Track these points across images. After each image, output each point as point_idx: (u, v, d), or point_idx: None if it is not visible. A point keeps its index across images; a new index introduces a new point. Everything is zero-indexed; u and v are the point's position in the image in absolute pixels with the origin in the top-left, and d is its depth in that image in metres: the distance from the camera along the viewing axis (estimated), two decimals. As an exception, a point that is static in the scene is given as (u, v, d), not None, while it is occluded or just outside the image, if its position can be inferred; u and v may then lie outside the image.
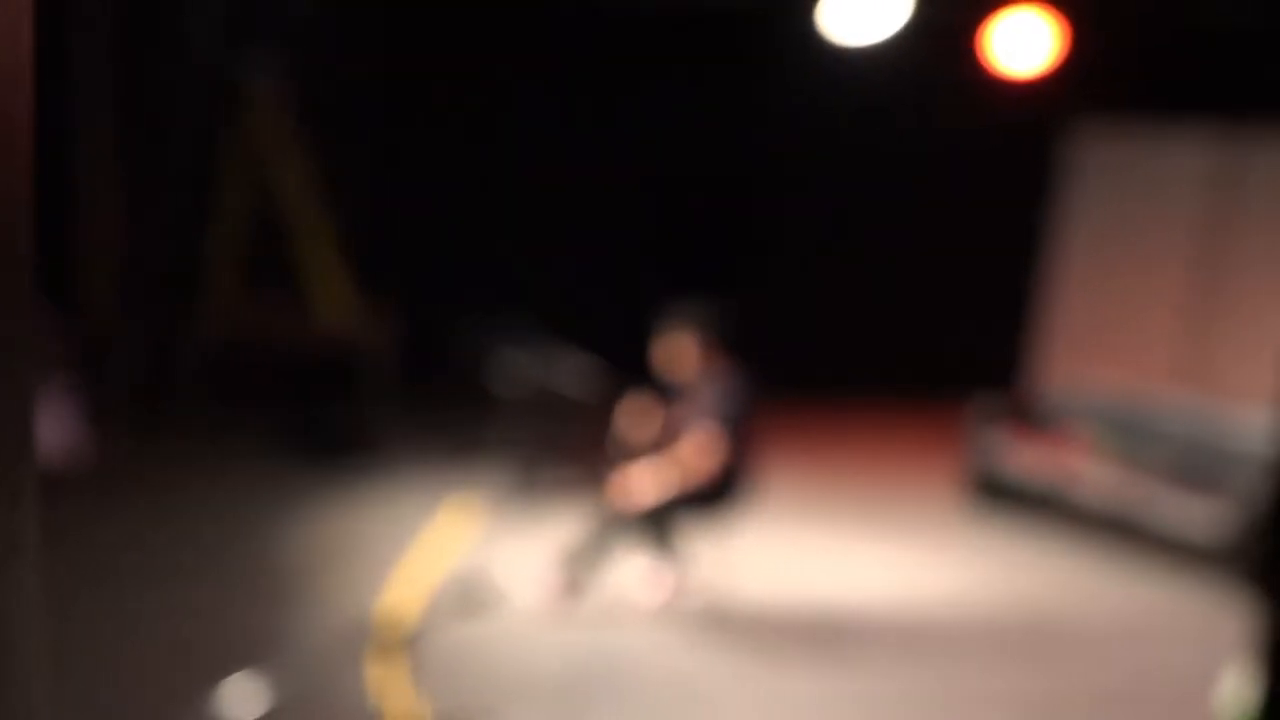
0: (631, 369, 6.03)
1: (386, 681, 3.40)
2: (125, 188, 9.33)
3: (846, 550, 7.21)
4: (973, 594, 6.61)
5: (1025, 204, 10.41)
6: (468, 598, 3.50)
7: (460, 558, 6.70)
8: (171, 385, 9.44)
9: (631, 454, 5.94)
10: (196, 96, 9.22)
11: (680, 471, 5.68)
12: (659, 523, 5.80)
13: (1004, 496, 8.00)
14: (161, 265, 9.52)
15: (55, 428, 7.84)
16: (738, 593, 6.15)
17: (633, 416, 5.92)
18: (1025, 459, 7.73)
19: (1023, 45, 9.07)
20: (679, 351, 5.84)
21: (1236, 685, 2.49)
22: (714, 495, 5.80)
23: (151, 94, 9.28)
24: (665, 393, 6.04)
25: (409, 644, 5.07)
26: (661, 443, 5.87)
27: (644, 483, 5.74)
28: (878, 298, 11.05)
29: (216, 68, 9.21)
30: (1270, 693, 2.40)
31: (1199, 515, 6.86)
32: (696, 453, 5.65)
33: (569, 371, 8.19)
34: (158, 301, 9.48)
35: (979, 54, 8.98)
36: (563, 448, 7.98)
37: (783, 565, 6.86)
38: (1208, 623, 6.29)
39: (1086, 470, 7.46)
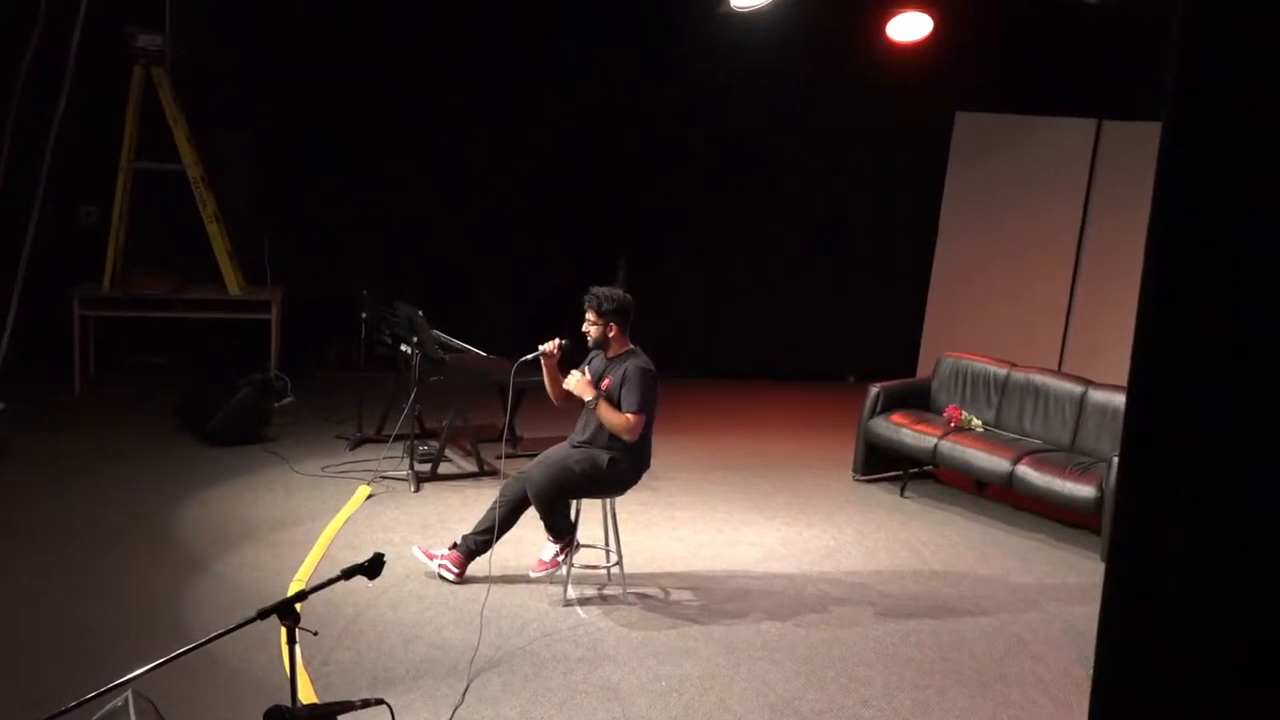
0: (521, 350, 6.16)
1: (289, 653, 3.49)
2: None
3: (736, 516, 7.44)
4: (853, 557, 6.88)
5: (927, 197, 10.73)
6: (368, 571, 3.59)
7: (359, 532, 6.77)
8: (54, 352, 9.28)
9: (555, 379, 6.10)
10: (77, 62, 9.03)
11: (610, 419, 5.87)
12: (556, 494, 5.94)
13: (889, 471, 8.33)
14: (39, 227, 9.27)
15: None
16: (632, 558, 6.32)
17: (550, 351, 6.03)
18: (912, 437, 8.01)
19: (906, 25, 9.51)
20: (590, 329, 6.01)
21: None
22: (616, 471, 5.98)
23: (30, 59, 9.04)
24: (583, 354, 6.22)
25: (308, 616, 5.16)
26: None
27: (584, 388, 5.92)
28: (783, 284, 11.25)
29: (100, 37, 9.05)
30: (1106, 654, 2.65)
31: (1071, 491, 7.20)
32: (626, 426, 5.84)
33: (461, 354, 8.26)
34: (36, 265, 9.28)
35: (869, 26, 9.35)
36: (456, 425, 8.05)
37: (676, 530, 7.08)
38: (1086, 584, 6.67)
39: (967, 447, 7.76)
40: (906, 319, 10.89)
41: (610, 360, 6.02)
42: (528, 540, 6.31)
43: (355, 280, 8.70)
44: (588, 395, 5.94)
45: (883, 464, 8.36)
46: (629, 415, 5.85)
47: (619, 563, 6.18)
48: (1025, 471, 7.43)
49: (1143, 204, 2.66)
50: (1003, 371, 8.29)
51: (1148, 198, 2.48)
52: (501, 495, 6.08)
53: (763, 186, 10.98)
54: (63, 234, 9.54)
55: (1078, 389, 7.88)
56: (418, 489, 7.58)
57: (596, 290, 6.01)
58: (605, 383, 5.97)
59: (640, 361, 5.94)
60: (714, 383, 10.92)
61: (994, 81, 10.25)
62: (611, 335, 5.99)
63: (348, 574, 3.53)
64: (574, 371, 6.06)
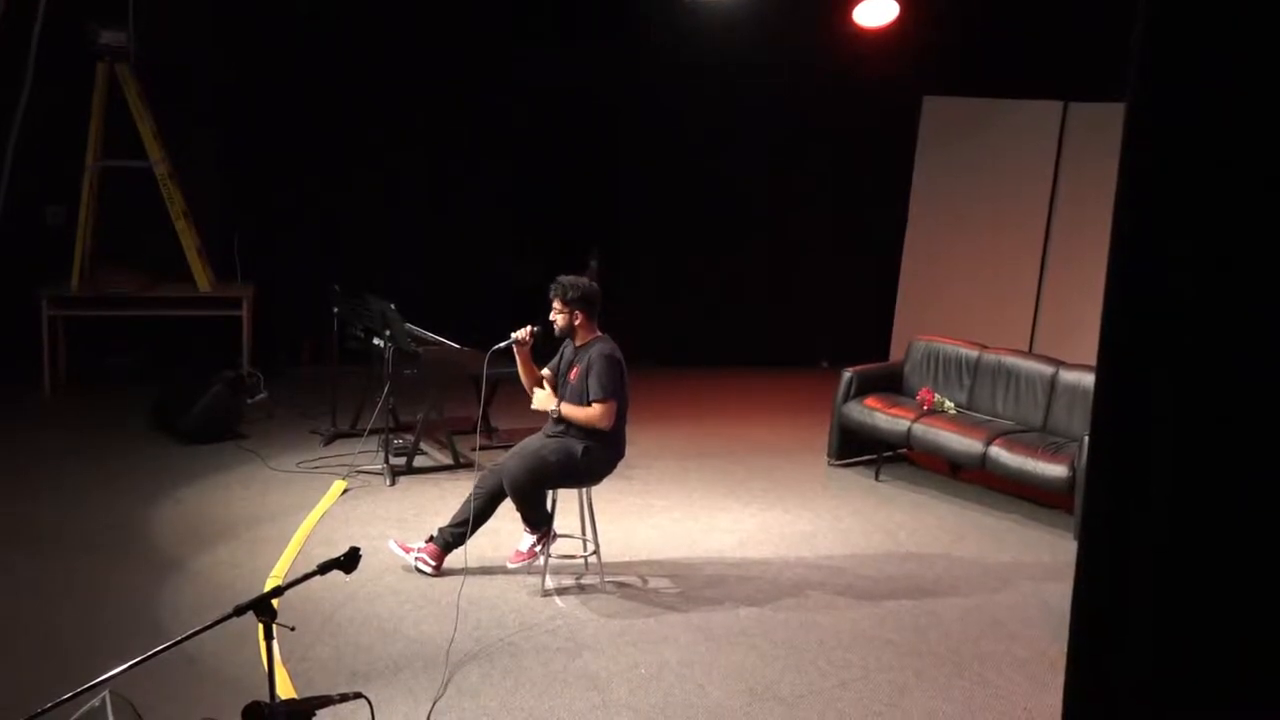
0: (494, 342, 6.14)
1: (266, 650, 3.48)
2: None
3: (712, 503, 7.47)
4: (829, 541, 6.92)
5: (896, 181, 10.73)
6: (345, 566, 3.59)
7: (335, 528, 6.75)
8: (23, 354, 9.20)
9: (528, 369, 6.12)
10: (39, 60, 8.94)
11: (577, 417, 5.90)
12: (532, 485, 5.94)
13: (864, 455, 8.36)
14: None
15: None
16: (609, 547, 6.34)
17: (522, 338, 6.03)
18: (886, 421, 8.04)
19: (873, 11, 9.54)
20: (556, 318, 6.01)
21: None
22: (590, 460, 5.98)
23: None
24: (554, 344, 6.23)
25: (285, 612, 5.14)
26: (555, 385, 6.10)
27: (546, 401, 5.98)
28: (756, 270, 11.24)
29: (62, 35, 8.96)
30: (1080, 632, 2.68)
31: (1044, 472, 7.26)
32: (596, 418, 5.87)
33: (434, 347, 8.23)
34: (2, 266, 9.20)
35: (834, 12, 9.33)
36: (431, 418, 8.03)
37: (653, 518, 7.10)
38: (1060, 563, 6.72)
39: (940, 430, 7.80)
40: (878, 303, 10.93)
41: (578, 349, 6.03)
42: (505, 531, 6.32)
43: (327, 275, 8.65)
44: (550, 406, 5.95)
45: (857, 448, 8.40)
46: (596, 406, 5.86)
47: (596, 552, 6.20)
48: (998, 453, 7.48)
49: (1110, 185, 2.67)
50: (974, 354, 8.34)
51: (1114, 178, 2.49)
52: (477, 487, 6.09)
53: (732, 174, 10.97)
54: (29, 234, 9.46)
55: (1048, 369, 7.93)
56: (393, 483, 7.56)
57: (562, 279, 6.03)
58: (574, 372, 5.97)
59: (605, 348, 5.94)
60: (688, 371, 10.93)
61: (961, 65, 10.29)
62: (578, 323, 5.99)
63: (324, 569, 3.53)
64: (538, 390, 6.06)
